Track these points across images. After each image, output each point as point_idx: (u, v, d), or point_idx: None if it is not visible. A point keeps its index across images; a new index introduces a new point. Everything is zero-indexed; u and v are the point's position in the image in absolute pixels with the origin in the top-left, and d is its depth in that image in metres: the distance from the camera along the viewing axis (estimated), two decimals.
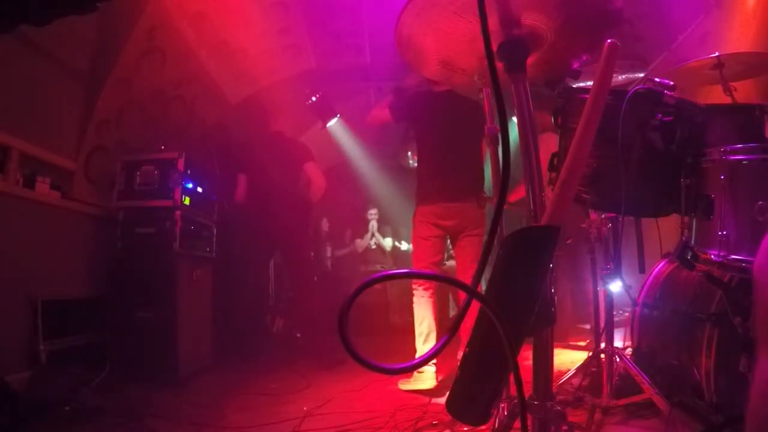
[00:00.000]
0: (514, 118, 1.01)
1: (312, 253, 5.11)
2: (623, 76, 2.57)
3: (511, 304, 0.77)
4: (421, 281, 2.75)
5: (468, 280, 0.97)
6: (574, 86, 1.65)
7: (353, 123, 4.49)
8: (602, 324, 2.09)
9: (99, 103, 2.74)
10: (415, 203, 2.85)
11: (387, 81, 4.08)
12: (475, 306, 0.75)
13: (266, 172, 3.53)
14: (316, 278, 4.72)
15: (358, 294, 0.70)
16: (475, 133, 2.79)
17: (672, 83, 1.54)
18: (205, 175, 3.16)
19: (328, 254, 5.78)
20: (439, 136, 2.84)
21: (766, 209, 1.30)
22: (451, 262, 5.50)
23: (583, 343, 3.35)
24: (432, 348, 0.75)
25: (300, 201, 3.63)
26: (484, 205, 2.82)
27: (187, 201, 2.88)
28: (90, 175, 2.86)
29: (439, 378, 2.53)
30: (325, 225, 5.75)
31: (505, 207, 0.88)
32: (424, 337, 2.65)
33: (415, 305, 2.74)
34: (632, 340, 2.20)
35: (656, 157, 1.53)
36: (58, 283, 2.59)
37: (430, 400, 2.33)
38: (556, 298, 0.92)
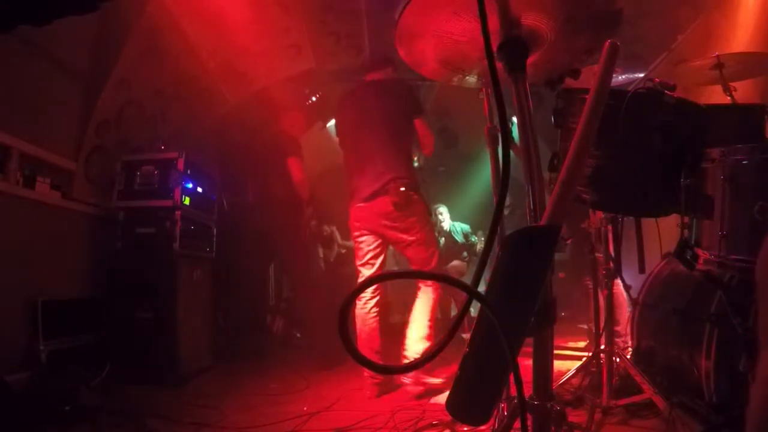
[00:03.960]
0: (514, 118, 1.01)
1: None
2: (623, 76, 2.57)
3: (511, 304, 0.77)
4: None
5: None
6: (574, 86, 1.65)
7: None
8: (602, 324, 2.09)
9: (99, 103, 2.74)
10: None
11: None
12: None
13: (266, 171, 3.53)
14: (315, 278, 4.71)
15: (357, 294, 0.70)
16: (393, 121, 2.61)
17: (672, 83, 1.54)
18: (205, 175, 3.16)
19: (321, 255, 5.75)
20: (347, 136, 2.77)
21: (766, 209, 1.30)
22: (454, 263, 5.49)
23: (583, 344, 3.35)
24: (434, 347, 0.75)
25: (295, 199, 3.63)
26: (407, 198, 2.49)
27: (187, 201, 2.88)
28: (90, 175, 2.86)
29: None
30: (315, 226, 5.70)
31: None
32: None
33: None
34: (632, 340, 2.20)
35: (656, 157, 1.53)
36: (58, 283, 2.59)
37: (430, 400, 2.33)
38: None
